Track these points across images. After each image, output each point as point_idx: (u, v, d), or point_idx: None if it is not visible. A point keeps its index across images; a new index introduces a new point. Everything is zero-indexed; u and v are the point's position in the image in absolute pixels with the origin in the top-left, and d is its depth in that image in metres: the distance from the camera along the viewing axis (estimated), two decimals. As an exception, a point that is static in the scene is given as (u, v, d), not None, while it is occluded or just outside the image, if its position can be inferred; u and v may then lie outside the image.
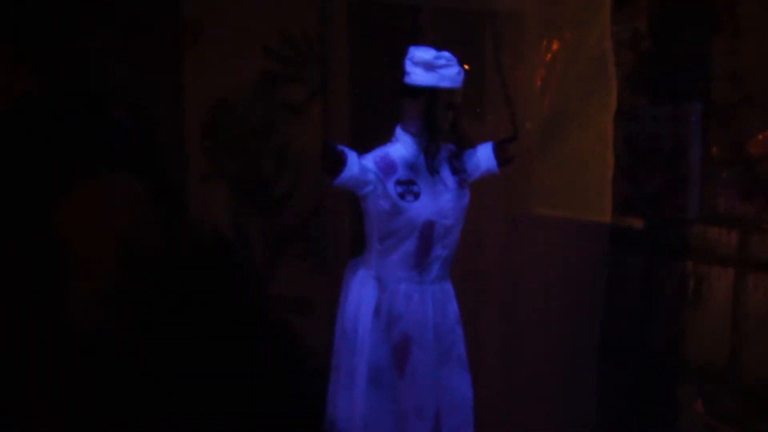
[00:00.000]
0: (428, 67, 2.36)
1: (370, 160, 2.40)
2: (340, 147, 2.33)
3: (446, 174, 2.51)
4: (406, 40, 3.16)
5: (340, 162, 2.29)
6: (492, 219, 3.39)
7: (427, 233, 2.44)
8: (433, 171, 2.42)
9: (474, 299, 3.44)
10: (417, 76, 2.38)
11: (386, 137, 3.41)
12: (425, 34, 4.60)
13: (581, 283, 2.98)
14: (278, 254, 4.41)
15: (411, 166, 2.42)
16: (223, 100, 4.21)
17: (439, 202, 2.45)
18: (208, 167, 4.19)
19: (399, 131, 2.49)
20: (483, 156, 2.62)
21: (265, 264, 4.39)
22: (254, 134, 4.32)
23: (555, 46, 2.94)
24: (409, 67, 2.40)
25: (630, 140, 2.80)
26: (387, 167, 2.40)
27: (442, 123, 2.41)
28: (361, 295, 2.55)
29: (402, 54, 3.72)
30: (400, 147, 2.46)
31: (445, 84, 2.37)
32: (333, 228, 4.42)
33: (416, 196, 2.41)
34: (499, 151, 2.63)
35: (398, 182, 2.40)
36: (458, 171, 2.54)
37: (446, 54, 2.39)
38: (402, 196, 2.39)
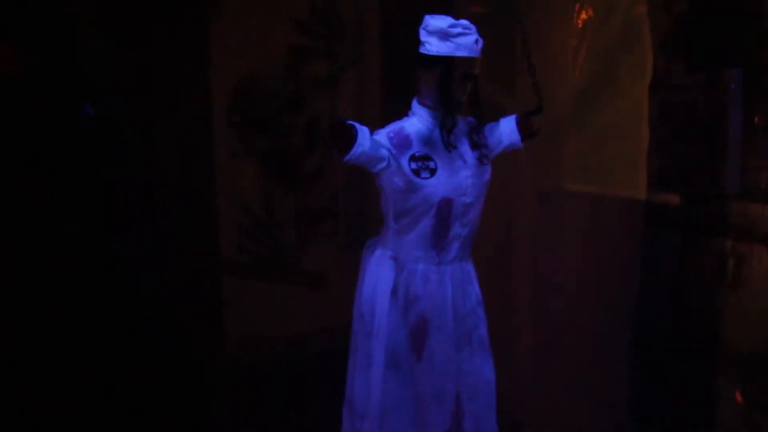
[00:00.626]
0: (443, 35, 2.23)
1: (383, 135, 2.29)
2: (350, 122, 2.22)
3: (465, 149, 2.38)
4: (440, 10, 3.03)
5: (350, 138, 2.19)
6: (521, 194, 3.25)
7: (444, 211, 2.32)
8: (450, 146, 2.30)
9: (503, 277, 3.32)
10: (432, 45, 2.25)
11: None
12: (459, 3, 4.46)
13: (613, 263, 2.82)
14: (308, 231, 4.36)
15: (427, 141, 2.30)
16: (251, 75, 4.16)
17: (457, 178, 2.33)
18: (236, 144, 4.16)
19: (415, 104, 2.37)
20: (506, 130, 2.48)
21: (295, 241, 4.36)
22: (283, 110, 4.27)
23: (586, 12, 2.76)
24: (423, 36, 2.27)
25: (665, 111, 2.61)
26: (401, 142, 2.29)
27: (459, 95, 2.28)
28: (378, 275, 2.45)
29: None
30: (416, 121, 2.34)
31: (461, 53, 2.23)
32: (362, 204, 4.34)
33: (432, 172, 2.29)
34: (522, 125, 2.48)
35: (413, 158, 2.29)
36: (478, 146, 2.40)
37: (463, 22, 2.25)
38: (417, 172, 2.28)
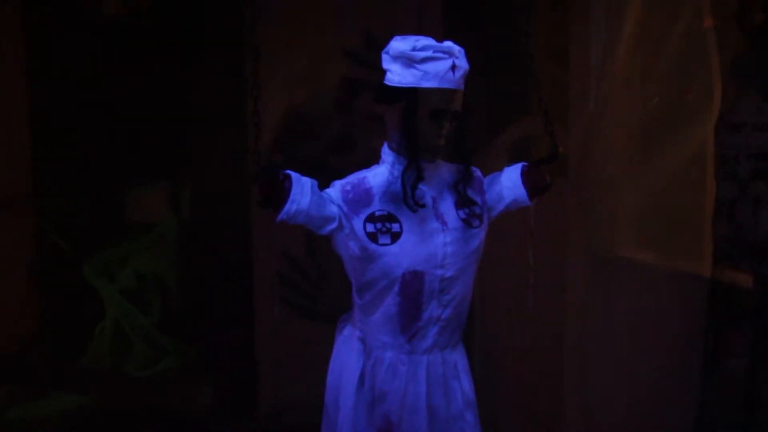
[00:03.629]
0: (407, 61, 1.75)
1: (337, 189, 1.83)
2: (286, 172, 1.77)
3: (447, 207, 1.86)
4: (508, 37, 2.57)
5: (281, 192, 1.74)
6: (567, 259, 2.64)
7: (412, 288, 1.81)
8: (414, 204, 1.78)
9: (548, 354, 2.71)
10: (394, 74, 1.78)
11: (481, 151, 2.79)
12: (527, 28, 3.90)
13: (671, 354, 2.16)
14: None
15: (392, 197, 1.81)
16: (297, 111, 3.82)
17: (429, 245, 1.81)
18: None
19: (384, 149, 1.89)
20: (507, 182, 1.94)
21: (341, 293, 3.94)
22: (332, 148, 3.90)
23: (634, 27, 2.15)
24: (386, 62, 1.80)
25: (734, 158, 1.95)
26: (359, 198, 1.81)
27: (431, 137, 1.77)
28: (343, 361, 1.98)
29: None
30: (384, 171, 1.86)
31: (428, 83, 1.74)
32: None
33: (395, 236, 1.79)
34: (531, 176, 1.93)
35: (371, 218, 1.80)
36: (466, 202, 1.87)
37: (433, 43, 1.76)
38: (373, 236, 1.78)
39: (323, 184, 1.98)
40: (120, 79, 3.58)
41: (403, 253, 1.77)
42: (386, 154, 1.86)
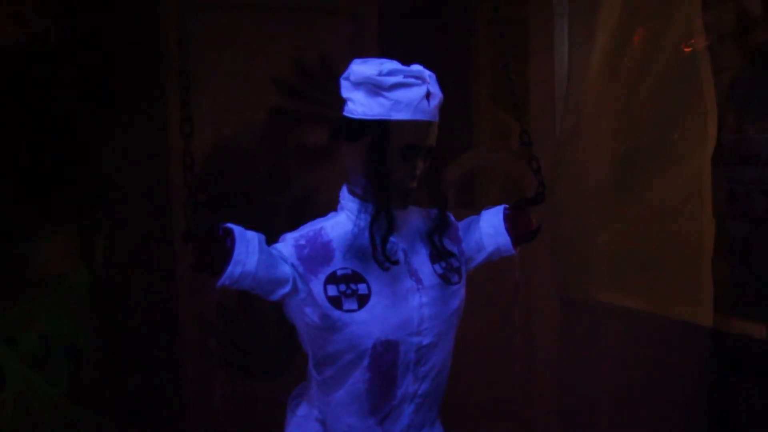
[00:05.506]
0: (373, 88, 1.46)
1: (288, 244, 1.51)
2: (227, 226, 1.45)
3: (421, 261, 1.57)
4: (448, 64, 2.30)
5: (221, 252, 1.41)
6: (538, 304, 2.39)
7: (384, 361, 1.50)
8: (386, 260, 1.48)
9: (522, 411, 2.44)
10: (356, 103, 1.49)
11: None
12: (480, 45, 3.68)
13: (669, 410, 1.91)
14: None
15: (357, 251, 1.50)
16: (223, 145, 3.49)
17: (404, 308, 1.51)
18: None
19: (343, 194, 1.58)
20: (489, 228, 1.67)
21: (279, 345, 3.60)
22: (264, 185, 3.57)
23: (610, 46, 1.92)
24: (346, 90, 1.51)
25: (745, 194, 1.73)
26: (315, 254, 1.50)
27: (402, 178, 1.49)
28: (298, 446, 1.64)
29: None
30: (344, 220, 1.55)
31: (400, 115, 1.45)
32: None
33: (362, 300, 1.49)
34: (514, 221, 1.66)
35: (332, 278, 1.49)
36: (443, 255, 1.59)
37: (401, 67, 1.48)
38: (336, 301, 1.48)
39: (254, 226, 1.67)
40: (17, 115, 3.14)
41: (374, 319, 1.47)
42: (346, 200, 1.56)
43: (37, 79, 3.16)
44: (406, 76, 1.46)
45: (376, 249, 1.48)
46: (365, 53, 3.76)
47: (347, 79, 1.51)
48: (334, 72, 3.62)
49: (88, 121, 3.19)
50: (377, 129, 1.46)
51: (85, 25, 3.20)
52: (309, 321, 1.49)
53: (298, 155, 3.56)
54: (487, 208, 1.70)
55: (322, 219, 1.57)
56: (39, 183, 3.14)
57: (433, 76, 1.53)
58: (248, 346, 3.53)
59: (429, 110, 1.48)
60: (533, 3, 2.64)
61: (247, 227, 1.93)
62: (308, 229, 1.54)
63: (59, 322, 3.05)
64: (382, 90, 1.46)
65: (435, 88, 1.51)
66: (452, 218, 1.69)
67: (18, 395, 2.94)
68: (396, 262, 1.50)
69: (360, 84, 1.48)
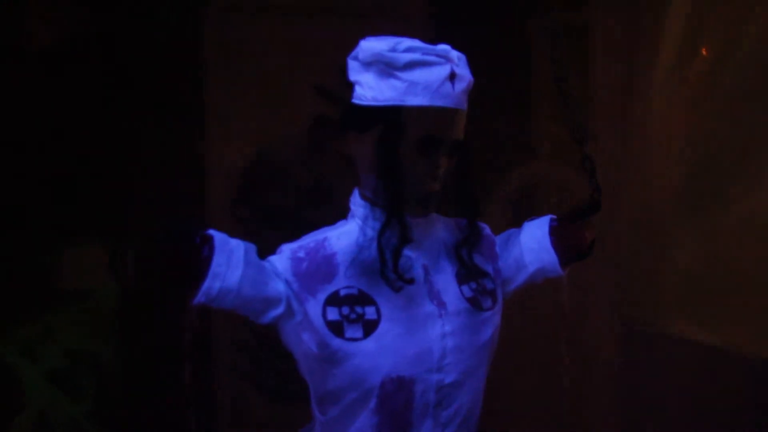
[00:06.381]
0: (385, 68, 1.23)
1: (284, 257, 1.28)
2: (207, 233, 1.23)
3: (445, 281, 1.32)
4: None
5: (197, 263, 1.20)
6: (594, 335, 2.09)
7: (395, 402, 1.25)
8: (398, 278, 1.24)
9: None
10: (365, 87, 1.26)
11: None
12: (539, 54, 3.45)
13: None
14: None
15: (365, 267, 1.26)
16: (263, 156, 3.33)
17: (421, 338, 1.26)
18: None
19: (354, 198, 1.35)
20: (532, 243, 1.41)
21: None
22: (306, 200, 3.38)
23: (683, 33, 1.65)
24: (354, 72, 1.28)
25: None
26: (315, 269, 1.27)
27: (415, 178, 1.25)
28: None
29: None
30: (354, 228, 1.32)
31: (416, 100, 1.22)
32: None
33: (369, 326, 1.24)
34: (563, 234, 1.39)
35: (333, 299, 1.25)
36: (473, 274, 1.33)
37: (422, 44, 1.25)
38: (336, 327, 1.23)
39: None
40: (50, 121, 3.05)
41: (383, 351, 1.22)
42: (357, 204, 1.33)
43: (72, 86, 3.07)
44: (424, 54, 1.23)
45: (385, 264, 1.24)
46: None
47: (355, 58, 1.29)
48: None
49: (122, 130, 3.08)
50: (388, 117, 1.23)
51: (122, 31, 3.09)
52: (306, 349, 1.26)
53: (342, 166, 3.37)
54: (531, 219, 1.44)
55: (328, 228, 1.35)
56: (70, 192, 3.03)
57: (463, 58, 1.29)
58: (282, 367, 3.32)
59: (453, 95, 1.23)
60: (595, 7, 2.38)
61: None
62: (310, 238, 1.32)
63: (85, 337, 2.92)
64: (395, 69, 1.22)
65: (463, 70, 1.26)
66: (487, 231, 1.43)
67: (39, 412, 2.82)
68: (410, 281, 1.25)
69: (370, 64, 1.25)
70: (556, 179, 3.05)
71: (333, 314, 1.23)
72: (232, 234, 1.28)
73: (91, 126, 3.07)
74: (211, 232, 1.23)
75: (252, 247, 1.27)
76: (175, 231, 1.21)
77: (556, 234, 1.39)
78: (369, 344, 1.22)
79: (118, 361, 3.02)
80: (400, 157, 1.23)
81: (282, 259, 1.28)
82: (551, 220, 1.41)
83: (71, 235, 3.05)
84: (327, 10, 3.23)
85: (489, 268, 1.37)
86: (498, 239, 1.44)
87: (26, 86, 2.98)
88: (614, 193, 2.04)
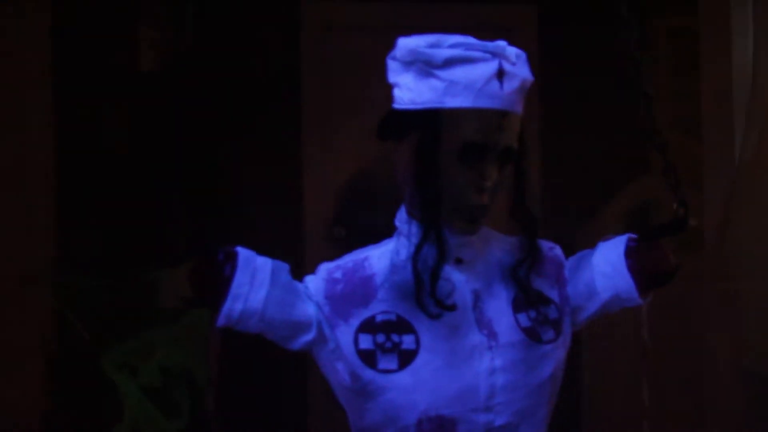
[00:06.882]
0: (423, 66, 1.12)
1: (319, 277, 1.19)
2: (233, 249, 1.15)
3: (498, 308, 1.17)
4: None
5: (219, 282, 1.12)
6: (705, 376, 1.84)
7: None
8: (436, 303, 1.11)
9: None
10: (404, 90, 1.14)
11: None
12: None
13: None
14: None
15: (404, 290, 1.14)
16: (364, 173, 3.27)
17: (465, 373, 1.13)
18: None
19: (400, 215, 1.24)
20: (604, 267, 1.23)
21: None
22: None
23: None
24: (393, 74, 1.17)
25: None
26: (351, 292, 1.17)
27: (457, 190, 1.11)
28: None
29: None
30: (401, 248, 1.20)
31: (456, 101, 1.09)
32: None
33: (406, 357, 1.11)
34: (642, 257, 1.21)
35: (368, 326, 1.14)
36: (533, 300, 1.18)
37: (470, 40, 1.12)
38: (368, 357, 1.12)
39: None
40: (157, 143, 3.14)
41: (419, 386, 1.09)
42: (401, 221, 1.21)
43: (180, 110, 3.15)
44: (468, 49, 1.10)
45: (422, 287, 1.11)
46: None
47: (395, 58, 1.17)
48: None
49: (221, 150, 3.13)
50: (426, 121, 1.11)
51: (223, 53, 3.15)
52: (341, 380, 1.15)
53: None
54: (606, 239, 1.26)
55: (372, 246, 1.23)
56: (173, 210, 3.09)
57: (522, 56, 1.15)
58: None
59: (501, 95, 1.10)
60: (705, 6, 2.16)
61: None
62: (350, 258, 1.21)
63: (180, 355, 2.95)
64: (434, 68, 1.10)
65: (517, 68, 1.12)
66: (556, 252, 1.27)
67: (134, 426, 2.86)
68: (451, 307, 1.11)
69: (410, 63, 1.13)
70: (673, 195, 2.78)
71: (366, 342, 1.12)
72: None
73: (192, 147, 3.14)
74: (237, 248, 1.16)
75: (282, 266, 1.18)
76: (197, 250, 1.14)
77: (633, 256, 1.21)
78: (404, 377, 1.09)
79: (212, 381, 3.03)
80: (439, 166, 1.10)
81: (316, 280, 1.18)
82: (628, 240, 1.23)
83: (173, 253, 3.11)
84: (423, 27, 3.14)
85: (554, 295, 1.20)
86: (569, 262, 1.27)
87: (134, 110, 3.09)
88: (725, 221, 1.80)
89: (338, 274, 1.18)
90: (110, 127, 3.08)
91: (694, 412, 1.93)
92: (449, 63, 1.11)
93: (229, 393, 2.97)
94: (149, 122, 3.09)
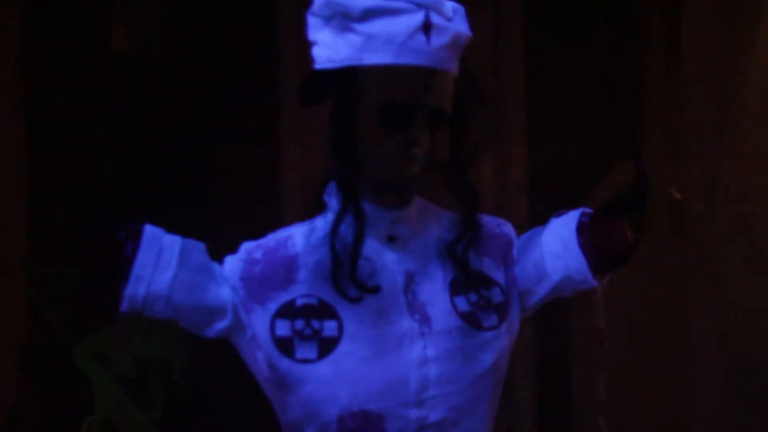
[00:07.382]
0: (341, 20, 1.01)
1: (238, 257, 1.08)
2: (136, 225, 1.05)
3: (434, 290, 1.06)
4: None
5: (119, 263, 1.02)
6: (692, 364, 1.74)
7: None
8: (356, 286, 1.01)
9: None
10: (322, 47, 1.04)
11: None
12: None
13: None
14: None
15: (327, 271, 1.04)
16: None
17: (393, 363, 1.01)
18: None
19: (330, 189, 1.13)
20: (554, 245, 1.11)
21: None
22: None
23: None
24: (313, 30, 1.06)
25: None
26: (270, 273, 1.06)
27: (381, 157, 1.01)
28: None
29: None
30: (320, 225, 1.10)
31: (375, 57, 0.98)
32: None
33: (326, 345, 1.01)
34: (595, 234, 1.09)
35: (286, 310, 1.03)
36: (473, 282, 1.07)
37: None
38: (285, 345, 1.01)
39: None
40: (131, 127, 3.07)
41: (340, 377, 0.99)
42: (329, 195, 1.11)
43: (154, 92, 3.08)
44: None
45: (340, 267, 1.01)
46: (508, 50, 3.31)
47: (313, 14, 1.06)
48: (472, 71, 3.20)
49: (196, 135, 3.05)
50: (343, 81, 1.01)
51: (197, 34, 3.07)
52: (261, 371, 1.05)
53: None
54: (559, 214, 1.14)
55: (299, 224, 1.13)
56: (148, 196, 3.02)
57: (460, 9, 1.04)
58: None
59: (428, 50, 0.98)
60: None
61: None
62: (272, 237, 1.11)
63: (156, 347, 2.88)
64: (352, 21, 0.99)
65: (448, 21, 1.01)
66: (506, 229, 1.16)
67: (106, 416, 2.80)
68: (373, 290, 1.01)
69: (329, 18, 1.02)
70: (667, 178, 2.65)
71: (283, 329, 1.01)
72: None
73: (167, 131, 3.06)
74: (145, 226, 1.06)
75: (196, 245, 1.08)
76: (93, 226, 1.05)
77: (586, 233, 1.09)
78: (323, 368, 0.99)
79: (188, 374, 2.96)
80: (359, 132, 1.00)
81: (233, 261, 1.08)
82: (581, 215, 1.12)
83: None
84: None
85: (499, 276, 1.10)
86: (519, 241, 1.16)
87: (106, 94, 3.01)
88: (710, 200, 1.70)
89: (258, 254, 1.08)
90: (83, 113, 3.01)
91: (680, 404, 1.84)
92: (368, 15, 0.99)
93: (204, 384, 2.90)
94: (123, 106, 3.02)
